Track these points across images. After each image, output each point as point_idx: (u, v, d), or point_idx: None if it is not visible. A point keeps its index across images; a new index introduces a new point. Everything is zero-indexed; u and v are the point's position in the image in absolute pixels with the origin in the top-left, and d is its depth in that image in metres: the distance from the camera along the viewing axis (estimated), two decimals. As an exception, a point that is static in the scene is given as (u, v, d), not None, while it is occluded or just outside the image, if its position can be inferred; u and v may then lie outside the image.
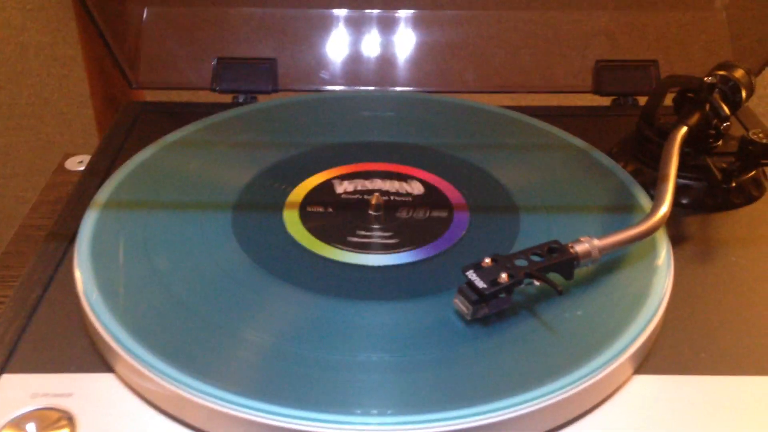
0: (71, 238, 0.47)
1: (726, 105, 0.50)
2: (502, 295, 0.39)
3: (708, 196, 0.52)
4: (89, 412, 0.37)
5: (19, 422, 0.36)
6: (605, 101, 0.68)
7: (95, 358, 0.40)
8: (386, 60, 0.68)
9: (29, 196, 0.97)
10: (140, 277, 0.43)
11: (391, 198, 0.50)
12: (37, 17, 0.86)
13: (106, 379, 0.39)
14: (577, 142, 0.56)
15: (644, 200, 0.49)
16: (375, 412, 0.35)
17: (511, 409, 0.35)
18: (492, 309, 0.39)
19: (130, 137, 0.60)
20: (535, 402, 0.35)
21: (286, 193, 0.50)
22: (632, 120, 0.58)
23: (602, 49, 0.67)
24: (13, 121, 0.93)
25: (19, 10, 0.85)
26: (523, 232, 0.47)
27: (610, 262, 0.44)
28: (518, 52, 0.68)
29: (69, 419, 0.36)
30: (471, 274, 0.39)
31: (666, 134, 0.51)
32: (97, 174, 0.55)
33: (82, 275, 0.42)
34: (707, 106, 0.51)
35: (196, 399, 0.35)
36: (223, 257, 0.44)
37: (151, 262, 0.44)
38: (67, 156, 0.66)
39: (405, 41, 0.68)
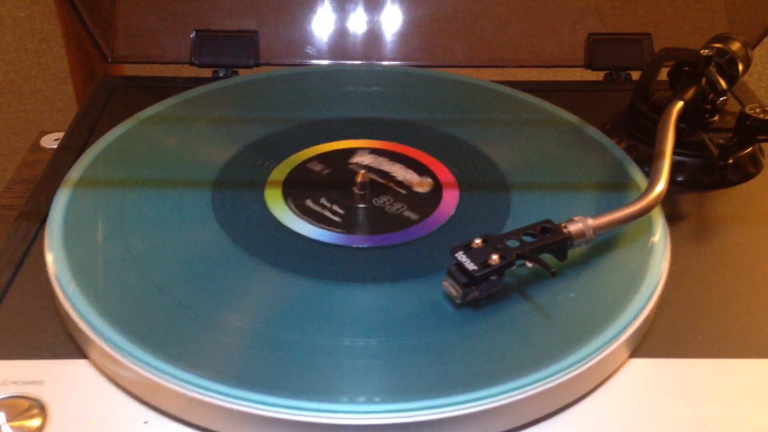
0: (43, 218, 0.45)
1: (723, 79, 0.49)
2: (493, 277, 0.37)
3: (704, 173, 0.51)
4: (62, 401, 0.35)
5: (-13, 411, 0.35)
6: (597, 76, 0.66)
7: (68, 343, 0.38)
8: (373, 33, 0.66)
9: (7, 177, 0.95)
10: (115, 258, 0.41)
11: (378, 175, 0.49)
12: (12, -10, 0.84)
13: (79, 365, 0.37)
14: (570, 117, 0.55)
15: (639, 178, 0.48)
16: (362, 399, 0.33)
17: (503, 396, 0.34)
18: (483, 292, 0.38)
19: (106, 113, 0.59)
20: (527, 388, 0.34)
21: (269, 171, 0.49)
22: (625, 95, 0.57)
23: (594, 23, 0.66)
24: (-11, 97, 0.91)
25: (-7, -17, 0.83)
26: (515, 211, 0.46)
27: (605, 243, 0.43)
28: (508, 25, 0.67)
29: (40, 408, 0.35)
30: (461, 256, 0.37)
31: (661, 109, 0.50)
32: (70, 151, 0.54)
33: (53, 257, 0.40)
34: (703, 80, 0.50)
35: (173, 386, 0.34)
36: (202, 237, 0.43)
37: (126, 243, 0.42)
38: (43, 134, 0.64)
39: (392, 14, 0.66)
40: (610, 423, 0.35)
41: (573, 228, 0.39)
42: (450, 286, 0.37)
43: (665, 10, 0.66)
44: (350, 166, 0.50)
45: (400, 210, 0.45)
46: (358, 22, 0.66)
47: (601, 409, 0.36)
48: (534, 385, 0.34)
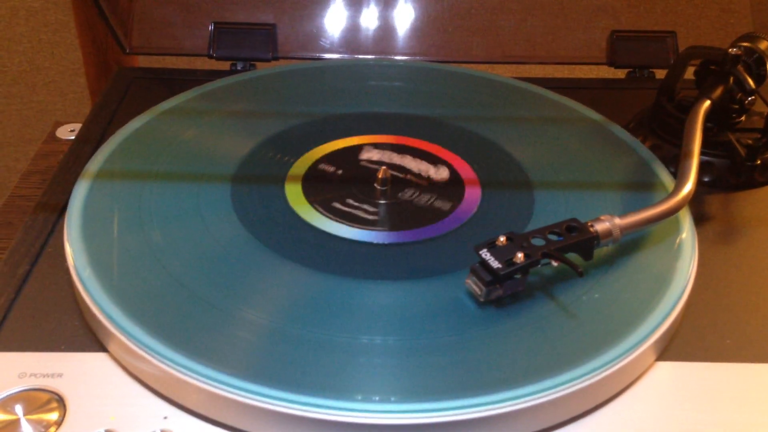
0: (61, 210, 0.45)
1: (750, 78, 0.49)
2: (518, 276, 0.37)
3: (731, 174, 0.50)
4: (80, 394, 0.35)
5: (5, 403, 0.34)
6: (615, 74, 0.66)
7: (87, 336, 0.38)
8: (390, 28, 0.66)
9: (20, 167, 0.95)
10: (134, 251, 0.41)
11: (399, 172, 0.48)
12: (27, -20, 0.84)
13: (98, 358, 0.37)
14: (593, 115, 0.54)
15: (666, 177, 0.47)
16: (377, 398, 0.33)
17: (526, 399, 0.33)
18: (506, 290, 0.37)
19: (123, 104, 0.59)
20: (552, 391, 0.33)
21: (289, 165, 0.48)
22: (647, 93, 0.56)
23: (612, 21, 0.65)
24: (2, 88, 0.91)
25: (9, -27, 0.83)
26: (538, 209, 0.45)
27: (631, 243, 0.42)
28: (525, 21, 0.66)
29: (59, 400, 0.35)
30: (485, 253, 0.37)
31: (686, 109, 0.49)
32: (88, 142, 0.53)
33: (72, 249, 0.40)
34: (731, 80, 0.49)
35: (191, 381, 0.33)
36: (222, 232, 0.42)
37: (145, 236, 0.42)
38: (59, 124, 0.64)
39: (410, 9, 0.66)
40: (636, 427, 0.35)
41: (600, 227, 0.38)
42: (473, 284, 0.37)
43: (685, 9, 0.66)
44: (370, 161, 0.49)
45: (423, 206, 0.45)
46: (375, 17, 0.66)
47: (627, 413, 0.35)
48: (558, 389, 0.33)
